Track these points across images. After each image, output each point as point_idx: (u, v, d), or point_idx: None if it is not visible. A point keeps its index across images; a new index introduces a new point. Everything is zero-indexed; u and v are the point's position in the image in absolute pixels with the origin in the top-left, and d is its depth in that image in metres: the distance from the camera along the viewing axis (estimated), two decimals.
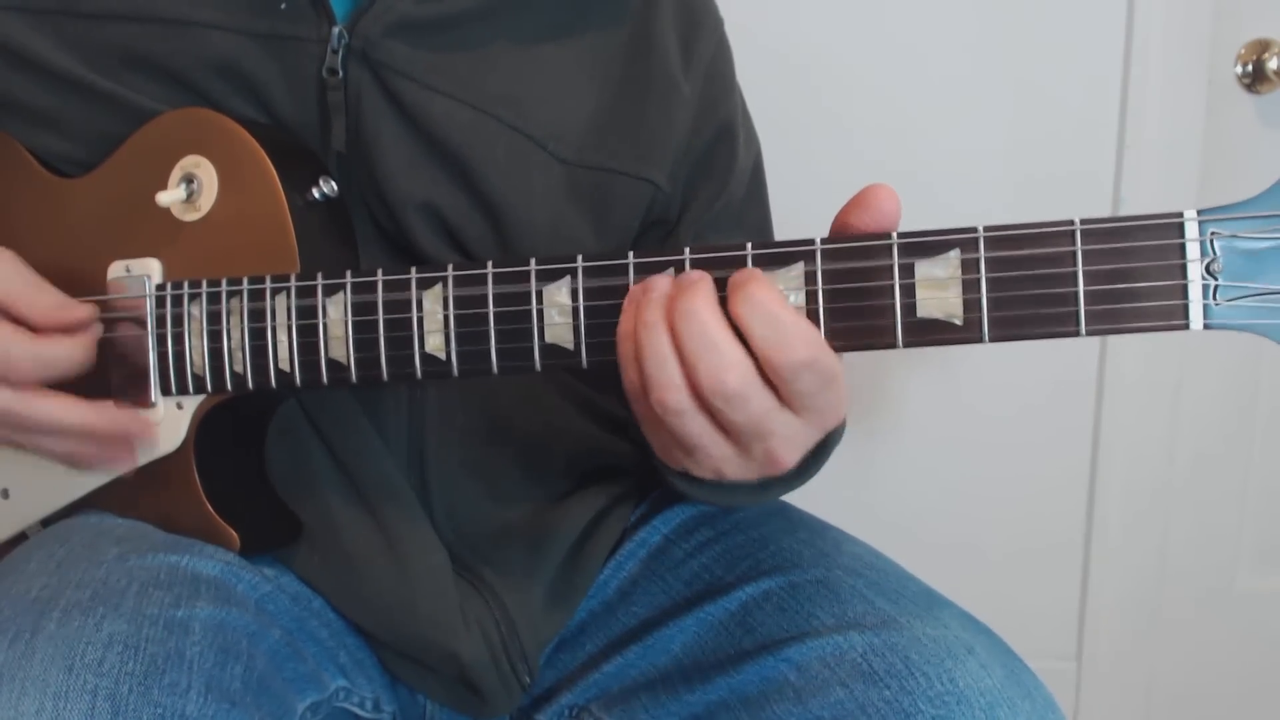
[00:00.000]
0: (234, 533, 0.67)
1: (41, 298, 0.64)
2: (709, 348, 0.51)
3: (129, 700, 0.52)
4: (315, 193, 0.66)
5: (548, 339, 0.58)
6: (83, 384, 0.65)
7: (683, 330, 0.52)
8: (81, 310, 0.65)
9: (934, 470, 1.39)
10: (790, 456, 0.55)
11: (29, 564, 0.61)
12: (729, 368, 0.51)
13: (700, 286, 0.52)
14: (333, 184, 0.67)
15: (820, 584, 0.67)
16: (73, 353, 0.64)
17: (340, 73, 0.68)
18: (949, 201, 1.32)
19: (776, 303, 0.51)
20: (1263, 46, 1.33)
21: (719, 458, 0.55)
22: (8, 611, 0.56)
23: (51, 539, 0.65)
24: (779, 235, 0.89)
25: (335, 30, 0.68)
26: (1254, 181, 0.49)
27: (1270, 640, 1.48)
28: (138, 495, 0.69)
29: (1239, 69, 1.34)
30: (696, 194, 0.79)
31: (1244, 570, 1.47)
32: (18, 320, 0.63)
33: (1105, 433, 1.39)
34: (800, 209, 0.92)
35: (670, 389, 0.52)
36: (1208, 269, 0.49)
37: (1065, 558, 1.44)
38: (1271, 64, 1.32)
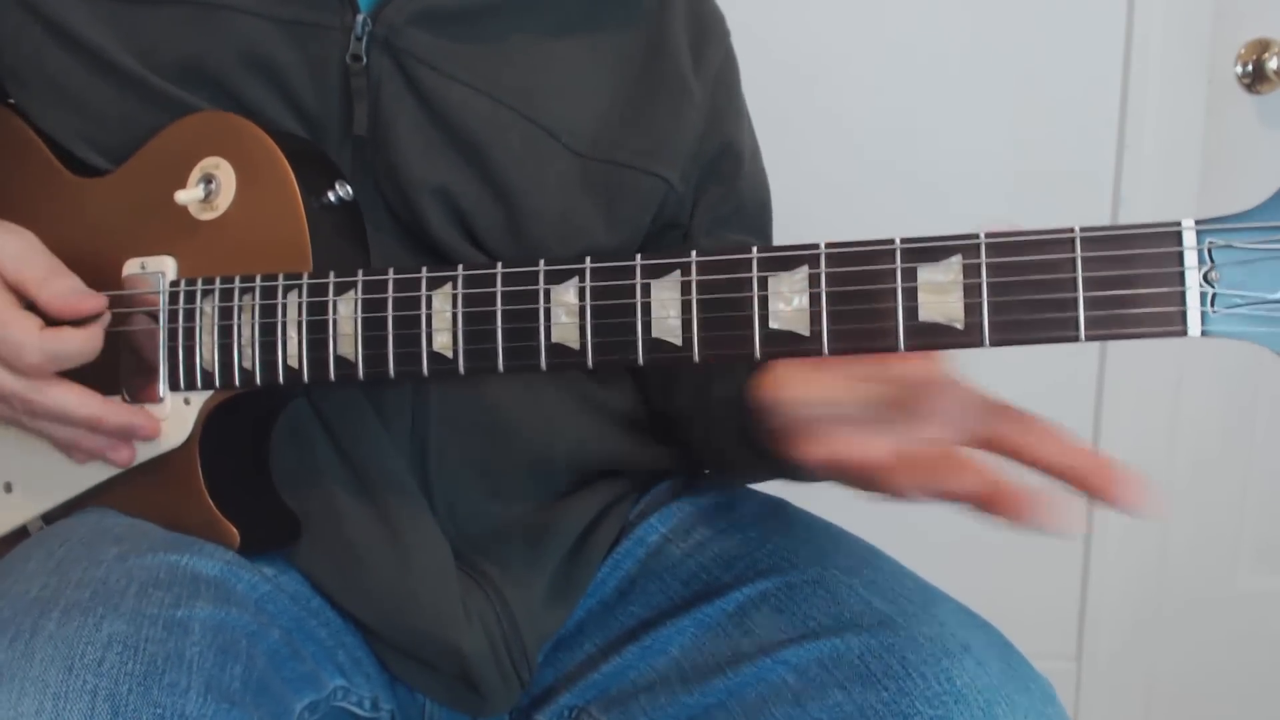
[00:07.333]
0: (234, 529, 0.67)
1: (58, 283, 0.65)
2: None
3: (128, 700, 0.52)
4: (331, 195, 0.67)
5: (554, 339, 0.58)
6: (91, 374, 0.66)
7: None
8: (94, 301, 0.66)
9: None
10: None
11: (29, 563, 0.61)
12: None
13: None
14: (348, 188, 0.68)
15: (816, 584, 0.67)
16: (81, 346, 0.65)
17: (364, 59, 0.70)
18: (949, 201, 1.32)
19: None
20: (1263, 46, 1.33)
21: None
22: (7, 611, 0.56)
23: (51, 538, 0.65)
24: (782, 234, 0.90)
25: (360, 18, 0.70)
26: (1254, 181, 0.48)
27: (1270, 640, 1.48)
28: (141, 489, 0.69)
29: (1239, 69, 1.34)
30: (705, 193, 0.81)
31: (1244, 570, 1.48)
32: (30, 301, 0.64)
33: (1105, 433, 1.39)
34: (801, 209, 0.92)
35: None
36: (1205, 277, 0.49)
37: (1065, 557, 1.44)
38: (1271, 64, 1.32)
